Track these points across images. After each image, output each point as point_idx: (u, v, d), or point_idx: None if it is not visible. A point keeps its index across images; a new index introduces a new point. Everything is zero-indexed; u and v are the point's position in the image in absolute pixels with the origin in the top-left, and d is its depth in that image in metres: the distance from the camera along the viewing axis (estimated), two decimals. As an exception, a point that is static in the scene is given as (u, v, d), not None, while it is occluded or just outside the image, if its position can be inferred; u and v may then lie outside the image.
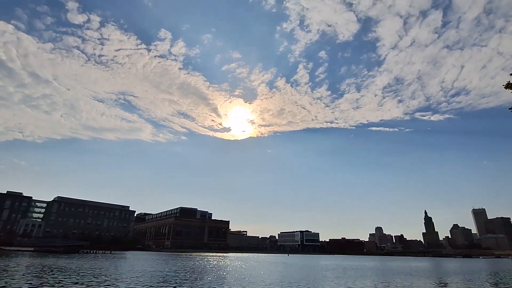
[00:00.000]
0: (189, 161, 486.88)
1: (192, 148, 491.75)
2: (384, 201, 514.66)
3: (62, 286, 14.13)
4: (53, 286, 14.11)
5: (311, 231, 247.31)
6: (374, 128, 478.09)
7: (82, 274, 20.66)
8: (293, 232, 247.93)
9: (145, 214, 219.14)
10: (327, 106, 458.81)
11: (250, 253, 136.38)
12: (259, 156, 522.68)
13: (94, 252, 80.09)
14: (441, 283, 22.42)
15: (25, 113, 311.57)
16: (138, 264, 35.88)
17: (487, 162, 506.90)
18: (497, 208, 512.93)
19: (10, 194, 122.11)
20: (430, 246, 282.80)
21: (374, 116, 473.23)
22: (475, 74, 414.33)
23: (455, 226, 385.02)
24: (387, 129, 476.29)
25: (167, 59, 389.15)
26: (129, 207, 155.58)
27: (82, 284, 15.14)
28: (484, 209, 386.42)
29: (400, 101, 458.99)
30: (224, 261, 51.58)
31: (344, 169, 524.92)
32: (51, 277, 17.84)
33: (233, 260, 60.23)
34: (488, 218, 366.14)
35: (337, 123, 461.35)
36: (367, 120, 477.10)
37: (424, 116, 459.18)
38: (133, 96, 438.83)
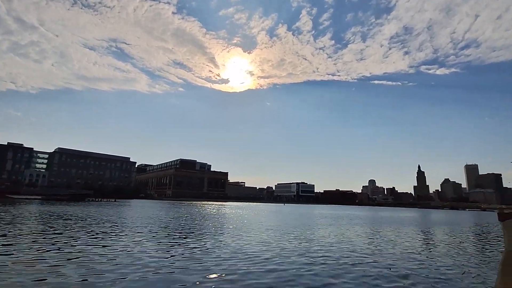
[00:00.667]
0: (187, 113, 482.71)
1: (190, 100, 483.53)
2: (379, 155, 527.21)
3: (75, 229, 14.58)
4: (67, 229, 14.55)
5: (306, 183, 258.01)
6: (376, 82, 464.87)
7: (92, 219, 21.49)
8: (290, 183, 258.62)
9: (146, 165, 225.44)
10: (330, 57, 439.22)
11: (248, 203, 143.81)
12: (258, 109, 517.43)
13: (99, 200, 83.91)
14: (424, 231, 23.60)
15: (15, 62, 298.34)
16: (143, 210, 37.51)
17: (488, 119, 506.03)
18: (490, 165, 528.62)
19: (11, 146, 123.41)
20: (420, 198, 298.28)
21: (378, 69, 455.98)
22: (488, 25, 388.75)
23: (446, 181, 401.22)
24: (389, 82, 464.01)
25: (159, 2, 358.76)
26: (129, 158, 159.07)
27: (95, 227, 15.68)
28: (477, 165, 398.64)
29: (406, 52, 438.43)
30: (224, 209, 54.22)
31: (343, 122, 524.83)
32: (64, 222, 18.51)
33: (233, 208, 63.35)
34: (480, 174, 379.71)
35: (339, 75, 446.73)
36: (370, 73, 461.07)
37: (430, 69, 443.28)
38: (125, 43, 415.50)
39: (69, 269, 7.52)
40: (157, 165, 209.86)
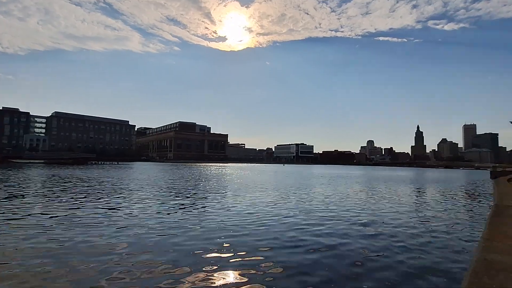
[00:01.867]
0: (184, 74, 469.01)
1: (186, 60, 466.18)
2: (379, 115, 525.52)
3: (82, 192, 15.00)
4: (74, 191, 14.98)
5: (306, 144, 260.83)
6: (381, 38, 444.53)
7: (97, 181, 22.01)
8: (289, 144, 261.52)
9: (145, 128, 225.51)
10: (333, 11, 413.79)
11: (248, 164, 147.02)
12: (257, 69, 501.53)
13: (102, 163, 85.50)
14: (417, 188, 24.41)
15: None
16: (146, 172, 38.34)
17: (492, 78, 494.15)
18: (489, 124, 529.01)
19: (6, 110, 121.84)
20: (416, 158, 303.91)
21: (383, 24, 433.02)
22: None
23: (443, 140, 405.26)
24: (395, 39, 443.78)
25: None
26: (128, 121, 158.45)
27: (101, 189, 16.15)
28: (475, 124, 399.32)
29: (414, 6, 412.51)
30: (225, 170, 55.55)
31: (344, 82, 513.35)
32: (70, 185, 18.99)
33: (234, 168, 64.92)
34: (477, 134, 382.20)
35: (342, 31, 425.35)
36: (375, 29, 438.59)
37: (438, 25, 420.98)
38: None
39: (76, 232, 7.79)
40: (156, 128, 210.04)
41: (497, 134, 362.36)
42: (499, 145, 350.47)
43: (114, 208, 11.04)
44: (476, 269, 3.61)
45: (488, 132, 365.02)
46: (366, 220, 10.00)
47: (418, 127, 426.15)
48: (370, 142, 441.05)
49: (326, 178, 37.05)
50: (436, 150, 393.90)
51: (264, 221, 9.27)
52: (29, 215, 9.46)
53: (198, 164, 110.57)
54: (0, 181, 21.05)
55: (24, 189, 16.43)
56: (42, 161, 78.16)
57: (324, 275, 5.03)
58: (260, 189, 19.69)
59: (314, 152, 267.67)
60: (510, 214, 7.91)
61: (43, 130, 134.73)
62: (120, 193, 15.58)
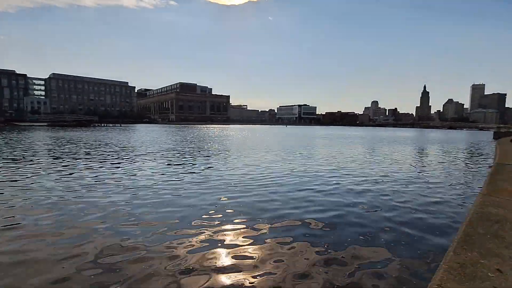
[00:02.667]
0: (182, 31, 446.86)
1: (184, 16, 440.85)
2: (385, 75, 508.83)
3: (88, 154, 15.31)
4: (80, 153, 15.29)
5: (308, 105, 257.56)
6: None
7: (103, 143, 22.32)
8: (292, 105, 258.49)
9: (146, 89, 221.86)
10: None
11: (251, 125, 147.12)
12: (259, 25, 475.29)
13: (105, 125, 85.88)
14: (418, 147, 24.57)
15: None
16: (150, 134, 38.68)
17: (508, 34, 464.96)
18: (498, 85, 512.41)
19: (4, 72, 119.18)
20: (420, 119, 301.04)
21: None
22: None
23: (449, 101, 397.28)
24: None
25: None
26: (128, 83, 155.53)
27: (107, 151, 16.48)
28: (484, 84, 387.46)
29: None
30: (228, 131, 55.85)
31: (351, 37, 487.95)
32: (76, 146, 19.28)
33: (236, 130, 65.20)
34: (485, 93, 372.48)
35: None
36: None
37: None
38: None
39: (82, 193, 8.03)
40: (157, 89, 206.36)
41: (505, 95, 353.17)
42: (506, 106, 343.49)
43: (120, 169, 11.31)
44: (472, 220, 3.73)
45: (496, 92, 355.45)
46: (366, 178, 10.22)
47: (424, 86, 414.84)
48: (375, 103, 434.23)
49: (327, 139, 37.21)
50: (441, 111, 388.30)
51: (268, 181, 9.49)
52: (44, 177, 9.75)
53: (200, 125, 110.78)
54: (9, 143, 21.38)
55: (37, 152, 16.74)
56: (45, 123, 78.54)
57: (327, 223, 5.27)
58: (263, 150, 19.89)
59: (317, 113, 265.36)
60: (510, 171, 8.00)
61: (43, 93, 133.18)
62: (127, 155, 15.86)
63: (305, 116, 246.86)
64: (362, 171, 11.69)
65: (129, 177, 9.54)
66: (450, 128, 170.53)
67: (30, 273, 3.47)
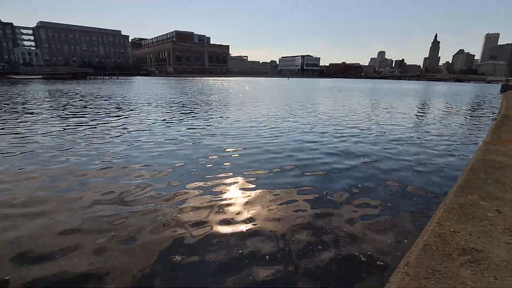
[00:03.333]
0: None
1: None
2: (393, 23, 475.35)
3: (87, 108, 15.15)
4: (79, 107, 15.13)
5: (312, 56, 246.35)
6: None
7: (100, 96, 21.84)
8: (294, 56, 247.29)
9: (140, 39, 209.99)
10: None
11: (252, 77, 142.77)
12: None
13: (101, 78, 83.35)
14: (422, 100, 24.11)
15: None
16: (149, 87, 37.72)
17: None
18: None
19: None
20: (428, 71, 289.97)
21: None
22: None
23: (460, 51, 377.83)
24: None
25: None
26: (121, 31, 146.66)
27: (106, 104, 16.26)
28: (499, 33, 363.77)
29: None
30: (228, 84, 54.41)
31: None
32: (74, 100, 18.96)
33: (237, 82, 63.46)
34: (499, 44, 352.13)
35: None
36: None
37: None
38: None
39: (83, 146, 8.05)
40: (152, 38, 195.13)
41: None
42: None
43: (120, 121, 11.26)
44: (474, 166, 3.77)
45: (510, 43, 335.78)
46: (367, 128, 10.21)
47: (436, 36, 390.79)
48: (381, 53, 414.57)
49: (331, 91, 36.35)
50: (450, 62, 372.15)
51: (269, 133, 9.50)
52: (46, 131, 9.75)
53: (199, 78, 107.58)
54: (7, 96, 21.01)
55: (39, 105, 16.53)
56: (40, 76, 76.20)
57: (325, 169, 5.41)
58: (263, 103, 19.58)
59: (320, 64, 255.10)
60: (515, 122, 7.91)
61: (33, 43, 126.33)
62: (128, 108, 15.66)
63: (308, 68, 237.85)
64: (363, 123, 11.62)
65: (129, 129, 9.54)
66: (457, 80, 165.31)
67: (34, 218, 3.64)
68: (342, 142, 8.10)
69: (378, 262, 2.72)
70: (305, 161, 6.27)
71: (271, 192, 4.46)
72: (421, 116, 14.83)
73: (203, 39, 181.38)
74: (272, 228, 3.40)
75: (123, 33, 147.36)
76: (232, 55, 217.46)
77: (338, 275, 2.58)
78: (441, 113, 15.70)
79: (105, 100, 19.14)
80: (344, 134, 9.25)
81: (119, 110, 14.15)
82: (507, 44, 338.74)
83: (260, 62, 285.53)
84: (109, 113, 12.95)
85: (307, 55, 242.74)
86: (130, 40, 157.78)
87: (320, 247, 3.00)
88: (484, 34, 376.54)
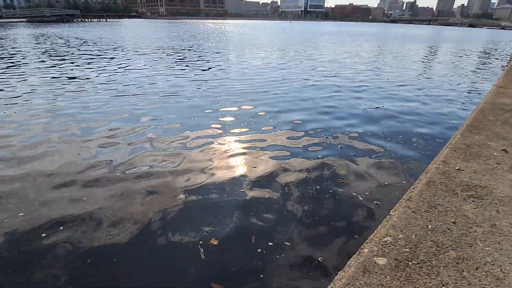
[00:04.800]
0: None
1: None
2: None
3: (77, 53, 14.29)
4: (69, 53, 14.26)
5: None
6: None
7: (90, 41, 20.45)
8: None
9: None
10: None
11: (251, 20, 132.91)
12: None
13: (89, 20, 77.38)
14: (430, 46, 22.80)
15: None
16: (140, 30, 35.07)
17: None
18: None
19: None
20: (440, 14, 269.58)
21: None
22: None
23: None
24: None
25: None
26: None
27: (97, 50, 15.31)
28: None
29: None
30: (226, 27, 50.85)
31: None
32: (63, 45, 17.79)
33: (236, 26, 59.26)
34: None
35: None
36: None
37: None
38: None
39: (74, 95, 7.71)
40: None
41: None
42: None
43: (112, 68, 10.71)
44: (483, 108, 3.62)
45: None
46: (371, 74, 9.80)
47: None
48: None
49: (337, 35, 34.14)
50: (465, 5, 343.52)
51: (267, 81, 9.12)
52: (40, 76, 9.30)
53: (194, 20, 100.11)
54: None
55: (28, 52, 15.58)
56: (24, 19, 70.65)
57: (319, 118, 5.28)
58: (263, 49, 18.53)
59: (325, 6, 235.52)
60: (529, 66, 7.52)
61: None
62: (118, 54, 14.78)
63: (312, 10, 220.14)
64: (368, 71, 11.12)
65: (120, 76, 9.10)
66: (470, 25, 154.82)
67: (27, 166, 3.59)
68: (342, 88, 7.80)
69: (374, 202, 2.75)
70: (306, 104, 6.09)
71: (269, 138, 4.38)
72: (426, 63, 14.12)
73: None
74: (272, 175, 3.36)
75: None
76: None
77: (339, 216, 2.62)
78: (448, 61, 14.94)
79: (95, 44, 17.98)
80: (343, 81, 8.87)
81: (110, 56, 13.37)
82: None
83: (260, 2, 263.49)
84: (101, 58, 12.24)
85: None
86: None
87: (320, 190, 3.02)
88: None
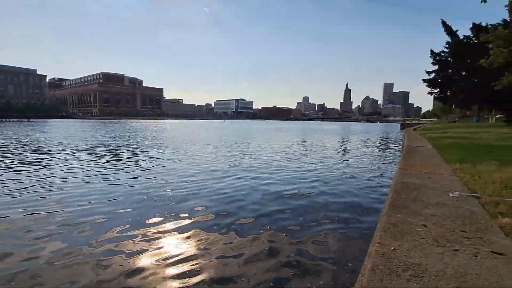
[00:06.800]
0: (106, 12, 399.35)
1: None
2: (313, 73, 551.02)
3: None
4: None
5: (245, 99, 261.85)
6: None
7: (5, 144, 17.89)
8: (229, 100, 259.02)
9: (60, 79, 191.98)
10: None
11: (188, 120, 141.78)
12: (194, 14, 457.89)
13: (7, 120, 71.19)
14: (342, 138, 27.48)
15: None
16: (68, 130, 32.66)
17: (412, 39, 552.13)
18: (404, 83, 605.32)
19: None
20: (344, 113, 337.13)
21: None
22: None
23: (367, 97, 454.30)
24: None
25: None
26: (36, 70, 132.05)
27: (12, 154, 13.33)
28: (393, 83, 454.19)
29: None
30: (162, 125, 52.37)
31: (285, 38, 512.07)
32: None
33: (173, 124, 61.70)
34: (394, 91, 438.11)
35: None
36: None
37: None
38: None
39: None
40: (74, 79, 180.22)
41: (409, 92, 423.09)
42: (410, 102, 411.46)
43: (31, 173, 9.48)
44: (396, 188, 4.23)
45: (401, 90, 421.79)
46: (298, 162, 10.84)
47: (347, 85, 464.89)
48: (306, 98, 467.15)
49: (267, 132, 38.38)
50: (360, 106, 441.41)
51: (206, 178, 9.21)
52: None
53: (130, 120, 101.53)
54: None
55: None
56: None
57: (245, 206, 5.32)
58: (201, 146, 19.33)
59: (253, 108, 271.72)
60: (417, 151, 9.52)
61: None
62: (39, 157, 13.40)
63: (242, 111, 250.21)
64: (295, 158, 12.34)
65: (41, 182, 8.03)
66: (368, 121, 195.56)
67: None
68: (279, 178, 8.32)
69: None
70: (241, 202, 6.13)
71: (200, 237, 4.09)
72: (342, 152, 16.62)
73: (135, 82, 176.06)
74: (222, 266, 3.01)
75: (39, 72, 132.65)
76: (166, 98, 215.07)
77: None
78: (358, 149, 17.92)
79: (9, 147, 16.05)
80: (281, 172, 9.57)
81: (32, 161, 11.95)
82: (399, 91, 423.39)
83: (196, 105, 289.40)
84: (20, 165, 10.79)
85: (241, 99, 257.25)
86: (48, 80, 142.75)
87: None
88: (383, 83, 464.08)
